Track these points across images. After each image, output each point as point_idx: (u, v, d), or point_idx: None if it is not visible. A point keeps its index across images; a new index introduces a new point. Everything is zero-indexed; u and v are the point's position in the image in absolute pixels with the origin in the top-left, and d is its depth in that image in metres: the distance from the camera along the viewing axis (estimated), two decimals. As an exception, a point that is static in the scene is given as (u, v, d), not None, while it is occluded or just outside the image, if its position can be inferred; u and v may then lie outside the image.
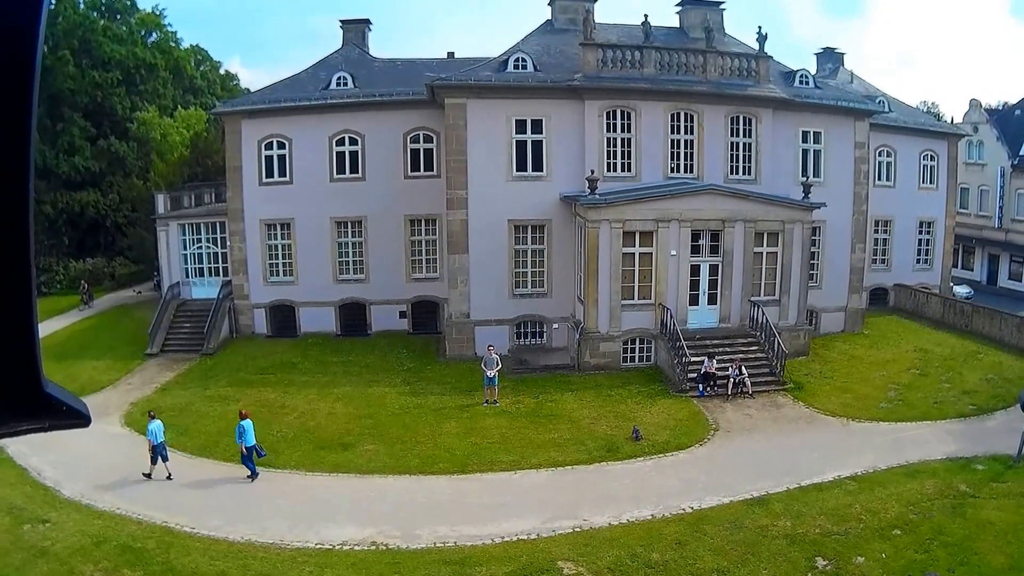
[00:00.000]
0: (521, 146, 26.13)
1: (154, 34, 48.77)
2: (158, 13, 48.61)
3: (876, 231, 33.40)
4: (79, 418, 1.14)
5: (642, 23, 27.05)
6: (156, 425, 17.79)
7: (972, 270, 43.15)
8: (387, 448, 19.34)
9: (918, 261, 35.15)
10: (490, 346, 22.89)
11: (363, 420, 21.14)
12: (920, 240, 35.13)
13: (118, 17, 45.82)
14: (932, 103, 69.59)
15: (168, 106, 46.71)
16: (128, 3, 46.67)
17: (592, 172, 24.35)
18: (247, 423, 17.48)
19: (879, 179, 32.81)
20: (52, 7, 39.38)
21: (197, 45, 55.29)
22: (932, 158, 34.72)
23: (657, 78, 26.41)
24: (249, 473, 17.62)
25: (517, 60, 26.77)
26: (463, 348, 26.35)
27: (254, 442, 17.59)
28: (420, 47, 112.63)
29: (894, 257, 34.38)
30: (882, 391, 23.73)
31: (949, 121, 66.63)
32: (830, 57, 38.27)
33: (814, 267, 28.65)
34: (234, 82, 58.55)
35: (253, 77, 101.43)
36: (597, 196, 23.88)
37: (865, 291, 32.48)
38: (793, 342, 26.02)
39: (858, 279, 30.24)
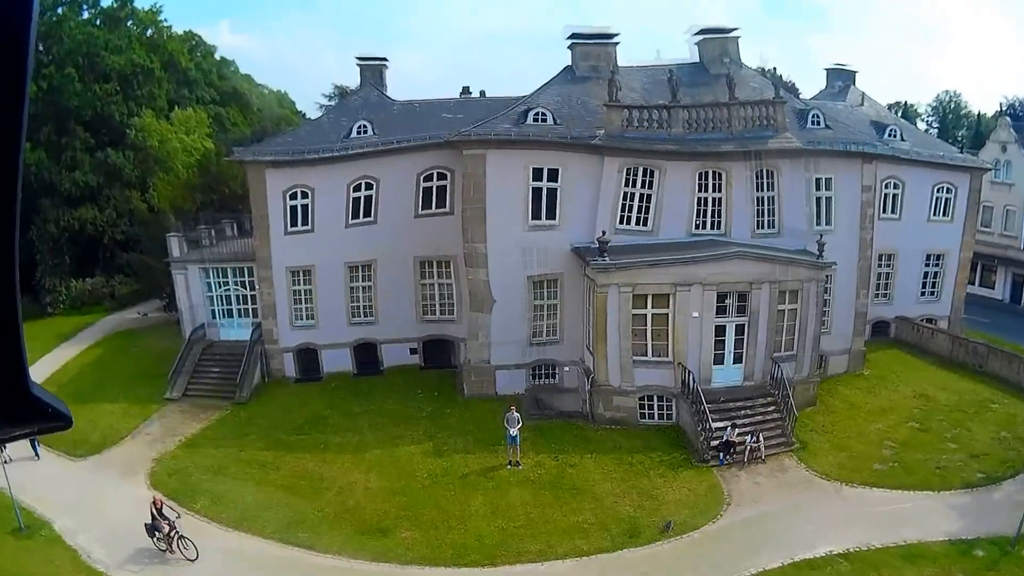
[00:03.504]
0: (537, 193, 27.32)
1: (149, 30, 48.70)
2: (156, 10, 48.59)
3: (879, 265, 33.91)
4: (62, 420, 1.17)
5: (668, 78, 27.60)
6: None
7: (993, 288, 44.42)
8: (422, 535, 20.93)
9: (923, 293, 35.74)
10: (512, 406, 24.46)
11: (397, 497, 22.73)
12: (926, 272, 35.61)
13: (119, 24, 45.72)
14: (955, 92, 69.44)
15: (163, 107, 46.77)
16: (129, 10, 46.62)
17: (603, 233, 25.38)
18: None
19: (884, 212, 33.30)
20: (57, 25, 39.78)
21: (190, 31, 55.10)
22: (948, 191, 35.09)
23: (685, 139, 27.22)
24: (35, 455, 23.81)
25: (537, 114, 27.69)
26: (482, 388, 28.33)
27: None
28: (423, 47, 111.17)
29: (896, 290, 35.05)
30: (877, 448, 24.55)
31: (975, 115, 67.08)
32: (840, 75, 38.68)
33: (824, 314, 29.53)
34: (231, 68, 58.15)
35: (242, 42, 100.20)
36: (607, 260, 24.90)
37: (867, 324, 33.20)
38: (804, 393, 27.39)
39: (862, 323, 31.39)
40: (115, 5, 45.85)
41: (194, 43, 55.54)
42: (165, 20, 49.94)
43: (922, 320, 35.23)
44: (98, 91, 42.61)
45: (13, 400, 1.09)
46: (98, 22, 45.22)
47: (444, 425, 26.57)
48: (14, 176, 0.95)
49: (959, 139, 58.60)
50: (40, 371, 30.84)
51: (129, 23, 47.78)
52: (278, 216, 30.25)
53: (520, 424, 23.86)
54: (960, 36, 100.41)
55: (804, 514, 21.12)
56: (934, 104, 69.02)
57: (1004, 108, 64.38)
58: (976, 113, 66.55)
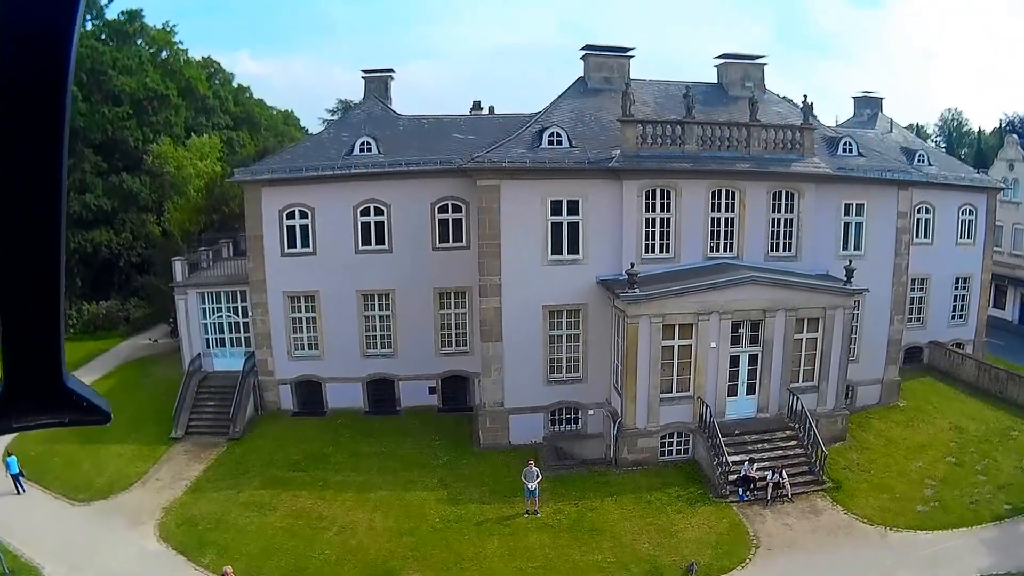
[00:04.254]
0: (556, 228, 25.40)
1: (164, 52, 47.14)
2: (168, 29, 46.95)
3: (912, 290, 32.51)
4: (99, 414, 1.15)
5: (684, 94, 25.96)
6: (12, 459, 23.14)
7: (1004, 309, 42.83)
8: (434, 576, 19.24)
9: (953, 317, 34.59)
10: (530, 460, 22.68)
11: (405, 537, 20.84)
12: (956, 296, 34.50)
13: (128, 40, 44.14)
14: (958, 110, 68.33)
15: (180, 135, 45.18)
16: (138, 26, 44.90)
17: (632, 265, 23.69)
18: (12, 459, 23.11)
19: (917, 237, 31.91)
20: None
21: (209, 57, 54.02)
22: (971, 212, 33.93)
23: (699, 156, 25.56)
24: (17, 491, 23.14)
25: (552, 135, 25.95)
26: (498, 437, 26.03)
27: (17, 470, 23.13)
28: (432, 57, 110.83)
29: (930, 315, 33.76)
30: (919, 488, 23.53)
31: (976, 131, 65.96)
32: (868, 103, 37.07)
33: (852, 341, 28.10)
34: (247, 95, 57.05)
35: (263, 69, 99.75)
36: (637, 291, 23.29)
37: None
38: (831, 427, 25.74)
39: (895, 350, 29.70)
40: (122, 19, 43.94)
41: (213, 70, 54.45)
42: (180, 42, 48.49)
43: (952, 344, 34.04)
44: (107, 113, 40.89)
45: (45, 390, 1.08)
46: (103, 36, 43.36)
47: (460, 475, 24.44)
48: (58, 183, 0.97)
49: (963, 158, 57.16)
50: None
51: (139, 41, 46.22)
52: (274, 236, 28.06)
53: (539, 478, 22.00)
54: (953, 53, 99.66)
55: (848, 565, 19.45)
56: (939, 124, 67.73)
57: (1004, 124, 63.23)
58: (977, 130, 65.38)
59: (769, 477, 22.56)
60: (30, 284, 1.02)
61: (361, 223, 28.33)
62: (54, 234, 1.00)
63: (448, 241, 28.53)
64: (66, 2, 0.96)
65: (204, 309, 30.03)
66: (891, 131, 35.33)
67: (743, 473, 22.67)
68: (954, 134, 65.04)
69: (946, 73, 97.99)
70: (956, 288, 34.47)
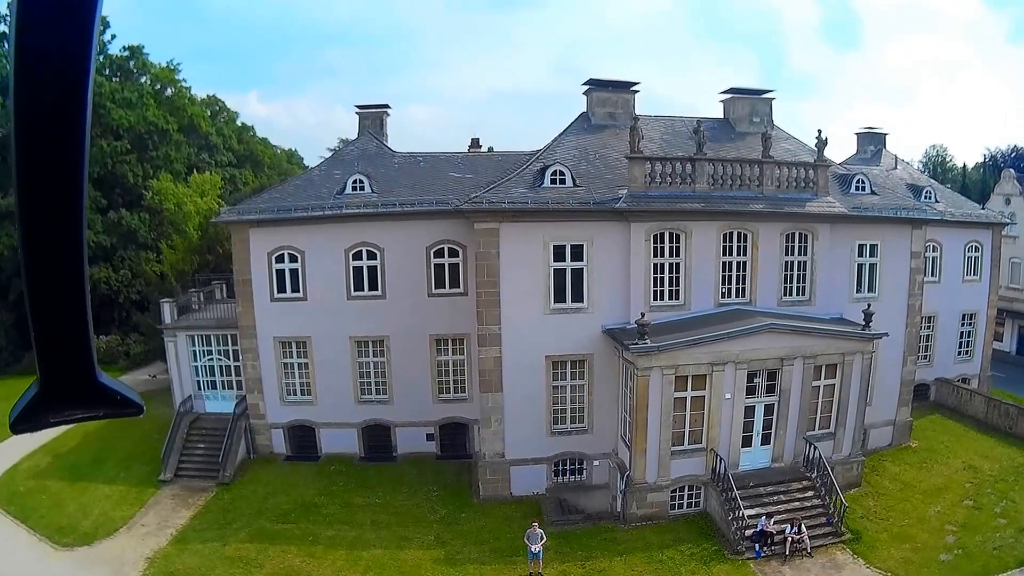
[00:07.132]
0: (559, 274, 21.97)
1: (169, 90, 43.77)
2: (173, 67, 43.65)
3: (921, 328, 29.48)
4: (132, 407, 1.12)
5: (694, 129, 22.78)
6: None
7: (1002, 341, 39.66)
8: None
9: (959, 353, 31.35)
10: (534, 521, 19.27)
11: (398, 609, 17.51)
12: (962, 332, 31.30)
13: (130, 76, 40.92)
14: (942, 146, 65.22)
15: (181, 171, 41.74)
16: (140, 62, 41.64)
17: (642, 315, 20.49)
18: None
19: (926, 275, 28.84)
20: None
21: (213, 96, 50.58)
22: (977, 249, 30.79)
23: (710, 196, 22.22)
24: None
25: (555, 173, 22.71)
26: (498, 488, 22.49)
27: None
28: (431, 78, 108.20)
29: (936, 352, 30.48)
30: (940, 535, 20.52)
31: (961, 167, 63.05)
32: (872, 139, 33.64)
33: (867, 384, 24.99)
34: (250, 134, 53.63)
35: (271, 112, 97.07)
36: (648, 343, 20.02)
37: (908, 390, 28.91)
38: (846, 474, 22.46)
39: (908, 392, 26.33)
40: (124, 54, 40.68)
41: (217, 108, 51.07)
42: (184, 80, 45.07)
43: (959, 380, 30.88)
44: (106, 147, 37.56)
45: (79, 386, 1.07)
46: (106, 72, 39.98)
47: (458, 531, 21.00)
48: (79, 188, 0.94)
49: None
50: (36, 435, 25.54)
51: (144, 79, 43.00)
52: (262, 281, 24.65)
53: (543, 540, 18.68)
54: (930, 91, 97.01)
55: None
56: (923, 160, 64.50)
57: (987, 159, 60.36)
58: (961, 166, 62.47)
59: (787, 531, 19.36)
60: (57, 286, 0.98)
61: (353, 267, 24.82)
62: (76, 237, 0.96)
63: (445, 287, 24.98)
64: (81, 30, 0.88)
65: (194, 352, 26.56)
66: (896, 168, 32.08)
67: (760, 528, 19.43)
68: (938, 169, 61.81)
69: (924, 110, 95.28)
70: (962, 324, 31.27)
